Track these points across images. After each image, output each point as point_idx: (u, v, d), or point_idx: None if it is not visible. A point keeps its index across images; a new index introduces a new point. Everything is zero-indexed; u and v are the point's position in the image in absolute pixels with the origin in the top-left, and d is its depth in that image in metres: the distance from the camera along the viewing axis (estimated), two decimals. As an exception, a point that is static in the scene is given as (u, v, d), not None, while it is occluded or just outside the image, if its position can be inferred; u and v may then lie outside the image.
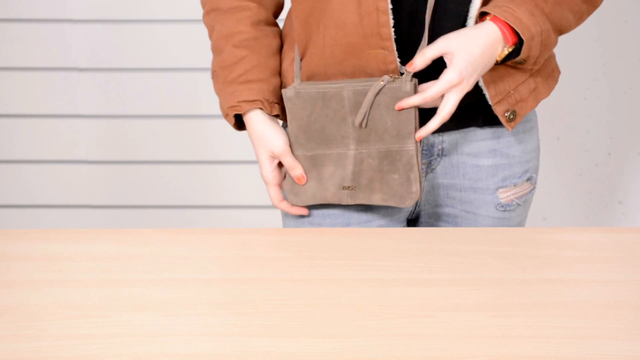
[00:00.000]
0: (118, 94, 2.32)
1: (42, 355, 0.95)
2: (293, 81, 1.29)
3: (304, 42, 1.27)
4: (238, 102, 1.28)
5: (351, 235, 1.23)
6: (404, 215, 1.37)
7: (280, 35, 1.34)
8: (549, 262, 1.15)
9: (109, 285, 1.09)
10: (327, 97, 1.24)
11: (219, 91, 1.32)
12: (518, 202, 1.37)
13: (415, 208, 1.37)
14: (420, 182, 1.24)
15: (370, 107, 1.22)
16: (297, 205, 1.31)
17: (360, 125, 1.23)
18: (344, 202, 1.28)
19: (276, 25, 1.35)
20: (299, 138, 1.27)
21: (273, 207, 1.45)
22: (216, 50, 1.32)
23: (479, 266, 1.15)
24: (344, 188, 1.27)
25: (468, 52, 1.18)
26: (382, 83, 1.21)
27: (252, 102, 1.28)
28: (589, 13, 1.32)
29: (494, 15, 1.20)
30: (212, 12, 1.32)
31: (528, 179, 1.38)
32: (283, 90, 1.27)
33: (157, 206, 2.43)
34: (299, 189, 1.29)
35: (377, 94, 1.22)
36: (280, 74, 1.32)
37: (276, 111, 1.30)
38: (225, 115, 1.31)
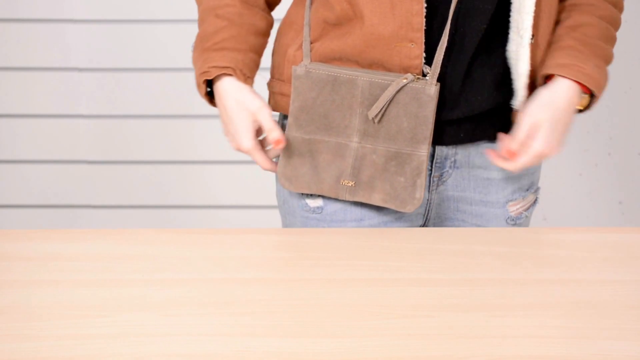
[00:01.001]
0: (118, 94, 2.32)
1: (42, 355, 0.95)
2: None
3: (320, 28, 1.24)
4: (209, 67, 1.22)
5: (351, 235, 1.23)
6: None
7: (268, 22, 1.30)
8: (549, 262, 1.15)
9: (109, 285, 1.09)
10: (339, 82, 1.21)
11: (194, 62, 1.27)
12: (526, 214, 1.37)
13: (424, 222, 1.34)
14: (424, 190, 1.22)
15: (389, 104, 1.19)
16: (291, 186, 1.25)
17: (374, 120, 1.19)
18: (341, 197, 1.24)
19: (267, 12, 1.30)
20: (299, 119, 1.23)
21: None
22: (199, 22, 1.28)
23: (479, 266, 1.15)
24: (342, 183, 1.23)
25: (550, 117, 1.19)
26: (405, 80, 1.18)
27: (224, 68, 1.22)
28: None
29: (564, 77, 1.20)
30: None
31: (534, 191, 1.37)
32: (293, 67, 1.23)
33: (157, 206, 2.43)
34: (293, 174, 1.25)
35: (399, 90, 1.18)
36: (259, 53, 1.28)
37: (250, 84, 1.25)
38: (198, 87, 1.26)
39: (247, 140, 1.24)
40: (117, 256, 1.17)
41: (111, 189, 2.41)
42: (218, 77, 1.24)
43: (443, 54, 1.18)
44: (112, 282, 1.10)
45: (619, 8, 1.31)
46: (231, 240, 1.23)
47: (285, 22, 1.31)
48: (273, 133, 1.22)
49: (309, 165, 1.24)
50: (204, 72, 1.23)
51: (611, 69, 2.42)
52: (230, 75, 1.23)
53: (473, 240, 1.22)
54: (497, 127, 1.28)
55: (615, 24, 1.30)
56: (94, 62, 2.30)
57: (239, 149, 1.26)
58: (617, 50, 2.25)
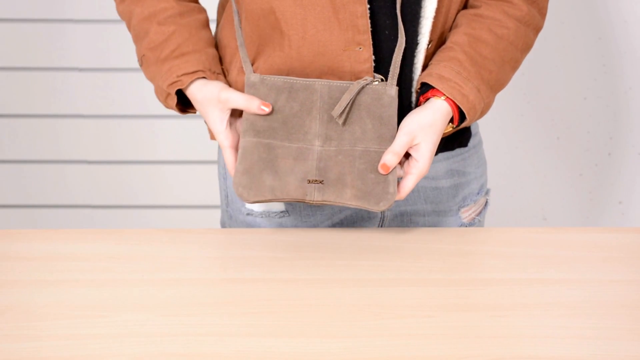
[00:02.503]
0: (118, 94, 2.32)
1: (43, 355, 0.96)
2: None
3: (257, 45, 1.19)
4: (178, 76, 1.17)
5: (351, 235, 1.23)
6: None
7: (205, 11, 1.26)
8: (549, 262, 1.15)
9: (109, 285, 1.10)
10: (295, 88, 1.16)
11: (152, 74, 1.21)
12: (479, 218, 1.37)
13: None
14: (396, 185, 1.15)
15: (351, 105, 1.16)
16: (255, 201, 1.15)
17: (338, 119, 1.15)
18: (309, 198, 1.14)
19: (198, 3, 1.26)
20: (255, 124, 1.16)
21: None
22: (139, 34, 1.22)
23: (479, 266, 1.15)
24: (309, 181, 1.14)
25: (430, 139, 1.15)
26: (365, 81, 1.15)
27: (194, 74, 1.18)
28: (524, 58, 1.26)
29: (440, 91, 1.16)
30: None
31: (485, 194, 1.37)
32: (246, 76, 1.18)
33: (157, 206, 2.43)
34: (251, 181, 1.14)
35: (360, 92, 1.16)
36: (216, 47, 1.24)
37: (222, 79, 1.20)
38: (165, 98, 1.21)
39: (219, 134, 1.18)
40: (117, 256, 1.17)
41: (111, 189, 2.41)
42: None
43: (401, 54, 1.16)
44: (112, 282, 1.10)
45: (533, 26, 1.24)
46: (231, 240, 1.23)
47: (220, 43, 1.27)
48: (252, 103, 1.15)
49: (269, 170, 1.15)
50: (174, 83, 1.18)
51: (611, 69, 2.41)
52: (200, 78, 1.19)
53: (473, 240, 1.22)
54: (443, 139, 1.26)
55: (520, 42, 1.22)
56: (94, 62, 2.30)
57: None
58: (617, 50, 2.26)
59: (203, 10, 1.26)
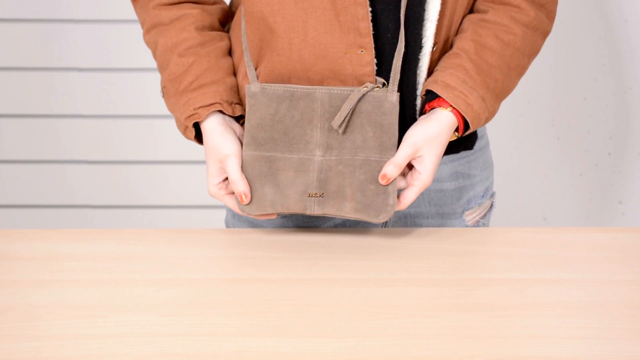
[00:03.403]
0: (118, 94, 2.32)
1: (43, 355, 0.96)
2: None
3: (258, 48, 1.19)
4: (195, 109, 1.18)
5: (351, 235, 1.23)
6: None
7: (228, 37, 1.26)
8: (549, 262, 1.15)
9: (109, 285, 1.10)
10: (296, 97, 1.16)
11: (172, 106, 1.22)
12: (483, 221, 1.37)
13: None
14: (396, 197, 1.16)
15: (352, 114, 1.16)
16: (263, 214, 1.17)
17: (338, 130, 1.15)
18: (309, 212, 1.15)
19: (222, 30, 1.26)
20: (256, 137, 1.17)
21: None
22: (162, 65, 1.23)
23: (479, 266, 1.15)
24: (310, 195, 1.15)
25: (434, 152, 1.15)
26: (365, 88, 1.15)
27: (210, 106, 1.18)
28: (530, 63, 1.25)
29: (445, 100, 1.16)
30: (153, 29, 1.23)
31: (490, 196, 1.37)
32: (247, 86, 1.18)
33: (157, 206, 2.43)
34: (254, 196, 1.16)
35: (360, 99, 1.15)
36: (235, 75, 1.24)
37: (239, 111, 1.21)
38: (184, 130, 1.21)
39: (211, 186, 1.19)
40: (117, 256, 1.17)
41: (111, 189, 2.41)
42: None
43: (401, 60, 1.15)
44: (112, 282, 1.10)
45: (540, 31, 1.23)
46: (231, 240, 1.23)
47: (231, 46, 1.26)
48: (237, 186, 1.16)
49: (270, 184, 1.16)
50: (192, 115, 1.18)
51: (611, 69, 2.41)
52: (217, 111, 1.19)
53: (473, 240, 1.22)
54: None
55: (527, 48, 1.22)
56: (94, 62, 2.30)
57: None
58: (617, 50, 2.26)
59: (225, 38, 1.25)
